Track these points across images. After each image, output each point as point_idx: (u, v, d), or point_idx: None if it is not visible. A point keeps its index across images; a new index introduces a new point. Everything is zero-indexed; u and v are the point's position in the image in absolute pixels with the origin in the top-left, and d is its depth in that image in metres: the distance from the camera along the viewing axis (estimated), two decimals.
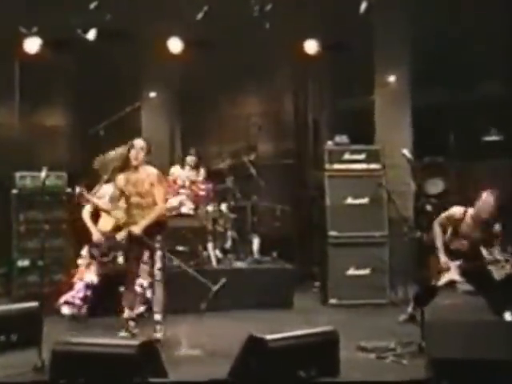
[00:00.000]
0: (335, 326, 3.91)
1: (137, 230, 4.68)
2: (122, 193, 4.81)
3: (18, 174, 6.33)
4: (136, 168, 4.77)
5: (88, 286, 5.40)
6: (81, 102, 7.92)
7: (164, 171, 6.85)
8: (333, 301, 6.17)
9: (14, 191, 6.32)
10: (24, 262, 6.17)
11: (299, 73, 8.03)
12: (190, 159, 6.83)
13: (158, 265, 4.72)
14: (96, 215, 5.64)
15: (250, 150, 7.05)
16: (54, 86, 7.95)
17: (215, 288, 5.26)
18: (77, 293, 5.37)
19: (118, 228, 5.26)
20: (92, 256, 5.50)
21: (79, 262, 5.62)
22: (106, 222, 5.56)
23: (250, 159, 6.89)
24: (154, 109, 8.11)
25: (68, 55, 7.33)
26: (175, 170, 6.76)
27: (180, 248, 6.13)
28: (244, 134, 7.86)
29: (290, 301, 6.09)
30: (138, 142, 4.80)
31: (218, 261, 6.39)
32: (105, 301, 5.33)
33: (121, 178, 4.80)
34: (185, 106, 8.26)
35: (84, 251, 5.64)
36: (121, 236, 5.12)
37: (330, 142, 6.46)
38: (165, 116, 8.22)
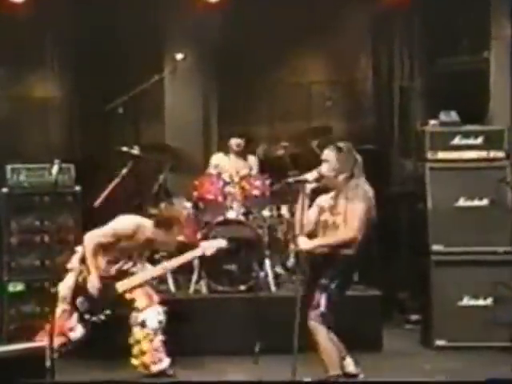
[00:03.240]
0: (446, 377, 4.01)
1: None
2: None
3: (8, 167, 6.38)
4: None
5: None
6: (82, 65, 8.00)
7: (198, 161, 7.14)
8: (440, 342, 6.16)
9: (4, 190, 6.32)
10: (17, 287, 6.23)
11: (380, 25, 8.05)
12: (236, 142, 6.90)
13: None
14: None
15: (319, 132, 7.08)
16: (43, 44, 8.06)
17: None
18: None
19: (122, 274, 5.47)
20: (76, 308, 5.49)
21: (69, 266, 5.57)
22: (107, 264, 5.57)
23: (318, 144, 6.91)
24: (181, 76, 7.92)
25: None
26: (219, 160, 6.88)
27: (227, 267, 6.29)
28: (305, 109, 7.92)
29: (378, 340, 6.13)
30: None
31: (278, 284, 6.48)
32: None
33: None
34: (223, 73, 8.33)
35: (79, 249, 5.57)
36: None
37: (433, 122, 6.47)
38: (196, 86, 8.31)
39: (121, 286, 5.49)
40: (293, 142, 7.06)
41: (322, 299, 4.91)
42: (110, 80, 7.59)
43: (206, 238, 6.19)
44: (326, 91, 7.84)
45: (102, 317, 5.45)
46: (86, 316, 5.46)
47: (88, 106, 7.78)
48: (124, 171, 6.42)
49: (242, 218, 6.48)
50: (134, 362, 5.33)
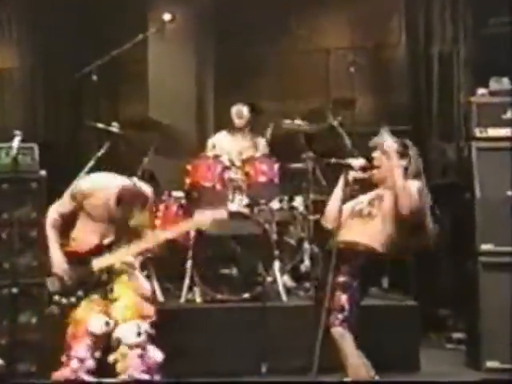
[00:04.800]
0: None
1: None
2: None
3: None
4: None
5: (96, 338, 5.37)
6: (47, 27, 7.98)
7: (191, 141, 7.13)
8: (492, 364, 6.05)
9: None
10: None
11: None
12: (238, 111, 6.97)
13: None
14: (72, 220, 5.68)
15: (340, 105, 7.12)
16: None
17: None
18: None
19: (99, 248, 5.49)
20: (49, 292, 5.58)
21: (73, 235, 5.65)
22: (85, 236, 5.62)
23: (340, 122, 7.01)
24: (169, 40, 8.10)
25: None
26: (217, 139, 6.98)
27: (226, 271, 6.24)
28: (323, 82, 8.01)
29: (414, 360, 6.04)
30: None
31: (289, 291, 6.45)
32: None
33: None
34: (221, 37, 8.36)
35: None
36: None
37: (481, 91, 6.35)
38: (187, 52, 8.33)
39: (97, 263, 5.46)
40: (308, 119, 7.03)
41: (344, 301, 4.89)
42: (83, 45, 7.66)
43: (200, 234, 6.18)
44: (348, 58, 7.64)
45: (73, 299, 5.44)
46: (56, 298, 5.46)
47: (55, 75, 7.85)
48: (100, 153, 6.36)
49: (245, 210, 6.45)
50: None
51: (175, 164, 6.88)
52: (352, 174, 5.09)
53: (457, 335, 6.82)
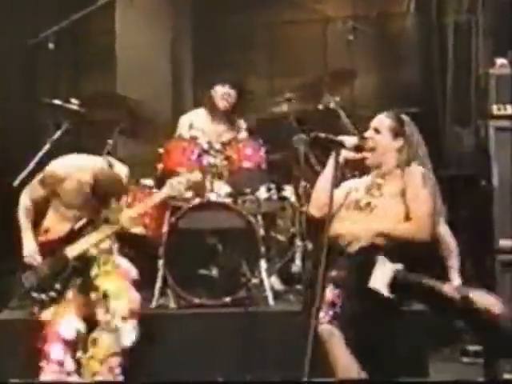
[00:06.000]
0: None
1: None
2: None
3: None
4: None
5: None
6: None
7: (164, 121, 7.20)
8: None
9: None
10: None
11: None
12: (223, 93, 6.89)
13: None
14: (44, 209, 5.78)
15: (338, 78, 7.08)
16: None
17: None
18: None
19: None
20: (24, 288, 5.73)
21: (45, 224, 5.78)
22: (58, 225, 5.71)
23: (336, 101, 6.99)
24: (140, 7, 8.15)
25: None
26: (194, 118, 6.89)
27: (204, 271, 6.22)
28: (319, 58, 8.08)
29: (423, 367, 6.04)
30: None
31: (277, 294, 6.44)
32: None
33: None
34: (200, 3, 8.52)
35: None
36: None
37: (500, 61, 6.45)
38: (161, 20, 8.44)
39: (70, 250, 5.59)
40: (301, 95, 7.05)
41: (336, 295, 4.83)
42: (38, 7, 7.58)
43: (174, 228, 6.17)
44: (347, 25, 7.71)
45: (53, 293, 5.57)
46: (33, 294, 5.62)
47: (2, 42, 7.68)
48: (57, 135, 6.31)
49: (227, 200, 6.43)
50: None
51: (145, 147, 6.92)
52: (344, 154, 5.01)
53: (473, 347, 6.69)
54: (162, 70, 8.22)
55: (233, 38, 8.47)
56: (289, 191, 6.76)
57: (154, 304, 6.21)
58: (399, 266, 4.89)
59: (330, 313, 4.78)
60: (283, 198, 6.73)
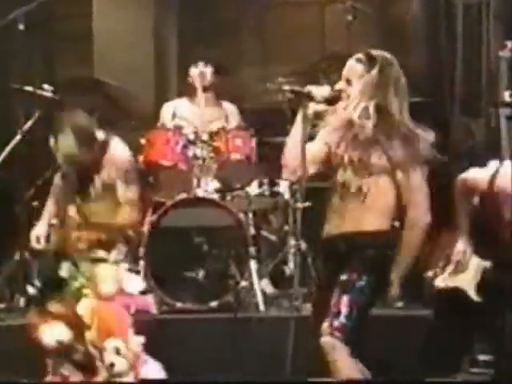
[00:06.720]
0: None
1: None
2: None
3: None
4: None
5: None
6: None
7: (146, 109, 7.23)
8: None
9: None
10: None
11: None
12: (196, 72, 6.94)
13: None
14: None
15: (337, 61, 6.96)
16: None
17: None
18: None
19: None
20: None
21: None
22: None
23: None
24: None
25: None
26: (178, 107, 6.96)
27: (189, 273, 6.27)
28: (316, 42, 8.07)
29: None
30: None
31: (268, 299, 6.48)
32: None
33: None
34: None
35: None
36: None
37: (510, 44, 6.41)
38: (144, 2, 8.47)
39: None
40: (295, 83, 6.89)
41: (342, 303, 4.69)
42: None
43: (156, 227, 6.23)
44: (348, 11, 7.68)
45: (39, 284, 5.73)
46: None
47: None
48: (28, 124, 6.35)
49: (214, 196, 6.48)
50: None
51: (125, 137, 6.76)
52: (312, 107, 4.73)
53: (483, 357, 6.68)
54: (143, 55, 8.25)
55: (223, 22, 8.49)
56: (282, 186, 6.70)
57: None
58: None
59: (335, 324, 4.67)
60: (276, 194, 6.72)
